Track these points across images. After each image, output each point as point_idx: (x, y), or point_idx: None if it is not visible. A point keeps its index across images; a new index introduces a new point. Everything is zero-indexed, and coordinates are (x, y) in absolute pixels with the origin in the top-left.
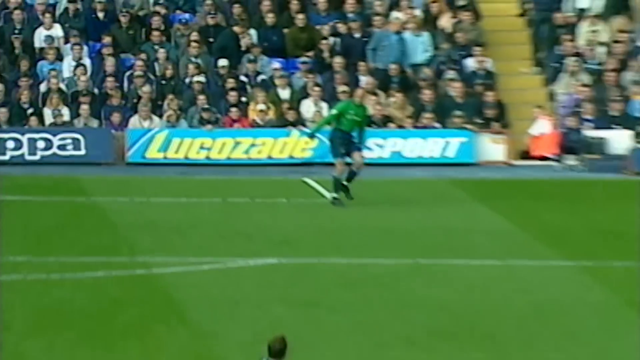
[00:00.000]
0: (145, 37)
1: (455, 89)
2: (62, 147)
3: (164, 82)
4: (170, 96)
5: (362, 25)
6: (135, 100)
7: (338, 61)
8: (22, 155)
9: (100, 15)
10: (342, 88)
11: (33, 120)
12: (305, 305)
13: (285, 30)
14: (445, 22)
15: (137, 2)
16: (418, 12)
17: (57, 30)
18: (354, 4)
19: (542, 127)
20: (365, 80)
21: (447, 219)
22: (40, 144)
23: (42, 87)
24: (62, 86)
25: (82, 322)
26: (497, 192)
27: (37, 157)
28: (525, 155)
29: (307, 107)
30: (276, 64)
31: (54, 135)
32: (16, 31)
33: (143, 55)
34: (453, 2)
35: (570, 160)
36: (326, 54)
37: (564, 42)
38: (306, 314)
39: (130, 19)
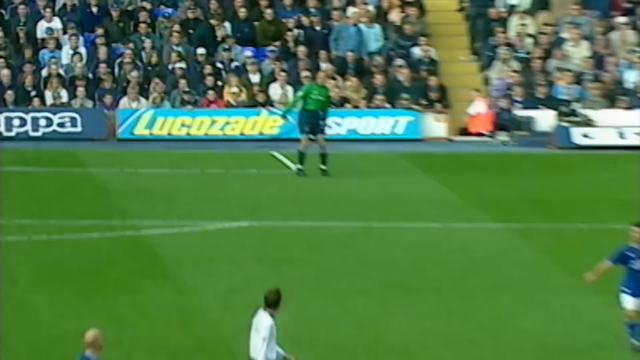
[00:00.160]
0: (133, 28)
1: (403, 74)
2: (61, 125)
3: (149, 68)
4: (155, 80)
5: (323, 19)
6: (124, 84)
7: (301, 50)
8: (27, 131)
9: (94, 9)
10: (305, 73)
11: (36, 101)
12: (274, 263)
13: (256, 23)
14: (395, 16)
15: None
16: (371, 8)
17: (57, 23)
18: (316, 0)
19: (478, 107)
20: (325, 66)
21: (396, 188)
22: (42, 122)
23: (44, 73)
24: (61, 72)
25: (79, 277)
26: (440, 164)
27: (39, 134)
28: (464, 132)
29: (275, 90)
30: (248, 52)
31: (54, 114)
32: (21, 24)
33: (131, 45)
34: None
35: (502, 137)
36: (291, 44)
37: (497, 33)
38: (274, 270)
39: (120, 13)
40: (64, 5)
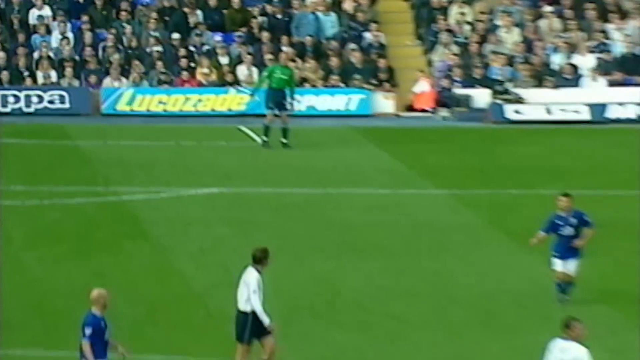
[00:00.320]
0: (115, 16)
1: (355, 57)
2: (51, 102)
3: (130, 51)
4: (135, 62)
5: (284, 8)
6: (107, 65)
7: (265, 35)
8: (20, 108)
9: None
10: (268, 56)
11: (28, 81)
12: (241, 225)
13: (225, 11)
14: (348, 5)
15: None
16: None
17: (47, 11)
18: None
19: (422, 86)
20: (286, 50)
21: (350, 158)
22: (34, 99)
23: (35, 55)
24: (51, 54)
25: (68, 238)
26: (388, 137)
27: (31, 110)
28: (410, 108)
29: (242, 71)
30: (217, 37)
31: (45, 92)
32: (15, 11)
33: (113, 30)
34: None
35: (444, 112)
36: (256, 30)
37: (439, 21)
38: (242, 231)
39: (104, 1)
40: None
